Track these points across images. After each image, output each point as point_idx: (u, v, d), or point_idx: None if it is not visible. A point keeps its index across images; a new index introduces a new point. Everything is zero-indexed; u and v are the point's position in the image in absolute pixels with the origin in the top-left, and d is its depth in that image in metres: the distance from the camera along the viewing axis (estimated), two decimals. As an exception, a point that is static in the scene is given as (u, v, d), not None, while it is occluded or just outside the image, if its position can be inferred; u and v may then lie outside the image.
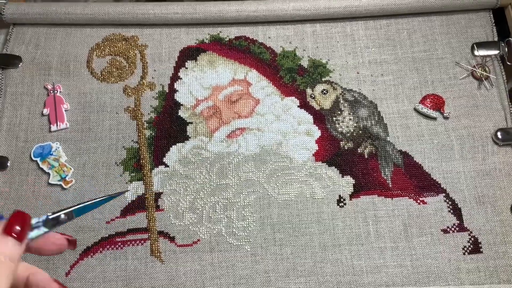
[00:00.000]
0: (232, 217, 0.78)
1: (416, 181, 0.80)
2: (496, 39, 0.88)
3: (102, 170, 0.81)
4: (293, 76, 0.88)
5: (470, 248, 0.75)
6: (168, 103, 0.86)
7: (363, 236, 0.76)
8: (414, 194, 0.79)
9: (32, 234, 0.44)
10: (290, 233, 0.77)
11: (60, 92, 0.86)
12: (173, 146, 0.83)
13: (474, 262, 0.74)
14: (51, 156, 0.82)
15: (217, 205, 0.79)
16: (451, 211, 0.77)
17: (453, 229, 0.76)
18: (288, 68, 0.88)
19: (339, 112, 0.85)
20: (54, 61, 0.89)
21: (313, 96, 0.86)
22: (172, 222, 0.78)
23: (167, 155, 0.82)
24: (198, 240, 0.77)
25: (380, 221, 0.77)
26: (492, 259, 0.74)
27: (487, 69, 0.85)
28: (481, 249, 0.75)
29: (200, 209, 0.78)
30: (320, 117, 0.85)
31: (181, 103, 0.86)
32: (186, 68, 0.89)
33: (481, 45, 0.88)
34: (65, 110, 0.85)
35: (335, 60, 0.89)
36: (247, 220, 0.78)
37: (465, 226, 0.77)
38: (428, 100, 0.84)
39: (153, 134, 0.84)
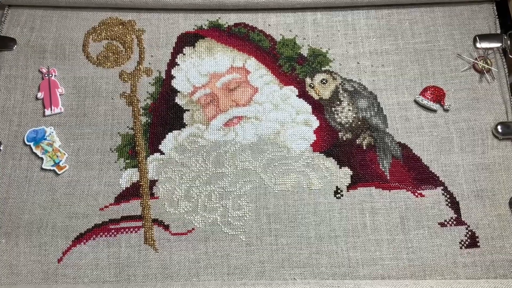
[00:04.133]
0: (227, 207, 0.77)
1: (415, 174, 0.79)
2: (499, 31, 0.87)
3: (97, 156, 0.80)
4: (292, 65, 0.86)
5: (467, 242, 0.75)
6: (165, 90, 0.85)
7: (359, 228, 0.76)
8: (412, 186, 0.78)
9: None
10: (286, 224, 0.76)
11: (55, 76, 0.85)
12: (169, 133, 0.82)
13: (471, 256, 0.74)
14: (45, 140, 0.80)
15: (212, 194, 0.78)
16: (449, 204, 0.77)
17: (450, 222, 0.76)
18: (287, 57, 0.87)
19: (338, 103, 0.84)
20: (49, 44, 0.87)
21: (312, 85, 0.85)
22: (167, 210, 0.77)
23: (163, 142, 0.81)
24: (193, 228, 0.76)
25: (377, 213, 0.76)
26: (489, 254, 0.74)
27: (489, 61, 0.84)
28: (478, 244, 0.74)
29: (195, 198, 0.77)
30: (319, 107, 0.83)
31: (178, 89, 0.85)
32: (184, 54, 0.87)
33: (484, 37, 0.86)
34: (60, 95, 0.83)
35: (335, 50, 0.87)
36: (243, 210, 0.77)
37: (462, 220, 0.76)
38: (428, 92, 0.83)
39: (149, 120, 0.83)
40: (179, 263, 0.74)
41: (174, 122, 0.82)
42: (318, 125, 0.82)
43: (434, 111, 0.82)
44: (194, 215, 0.77)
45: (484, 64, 0.84)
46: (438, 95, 0.83)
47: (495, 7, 0.89)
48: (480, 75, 0.84)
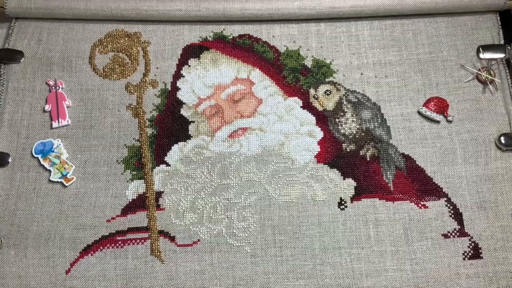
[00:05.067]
0: (232, 218, 0.78)
1: (418, 185, 0.79)
2: (502, 42, 0.87)
3: (103, 168, 0.81)
4: (296, 76, 0.87)
5: (470, 254, 0.75)
6: (170, 101, 0.86)
7: (363, 239, 0.76)
8: (415, 198, 0.78)
9: None
10: (291, 235, 0.77)
11: (62, 88, 0.86)
12: (174, 145, 0.83)
13: (474, 268, 0.74)
14: (53, 153, 0.81)
15: (218, 206, 0.79)
16: (452, 215, 0.77)
17: (453, 234, 0.76)
18: (291, 68, 0.88)
19: (342, 114, 0.84)
20: (56, 56, 0.88)
21: (316, 96, 0.86)
22: (173, 221, 0.78)
23: (168, 154, 0.82)
24: (199, 240, 0.77)
25: (381, 225, 0.77)
26: (492, 265, 0.74)
27: (492, 72, 0.85)
28: (481, 255, 0.75)
29: (200, 209, 0.78)
30: (322, 118, 0.84)
31: (184, 101, 0.86)
32: (189, 66, 0.88)
33: (487, 48, 0.87)
34: (67, 107, 0.85)
35: (339, 61, 0.88)
36: (248, 221, 0.78)
37: (465, 231, 0.76)
38: (432, 103, 0.83)
39: (155, 132, 0.83)
40: (185, 274, 0.75)
41: (179, 134, 0.83)
42: (322, 136, 0.83)
43: (438, 122, 0.83)
44: (199, 226, 0.77)
45: (487, 75, 0.84)
46: (441, 106, 0.83)
47: (498, 18, 0.89)
48: (483, 86, 0.85)
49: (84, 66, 0.88)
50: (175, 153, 0.82)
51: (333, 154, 0.82)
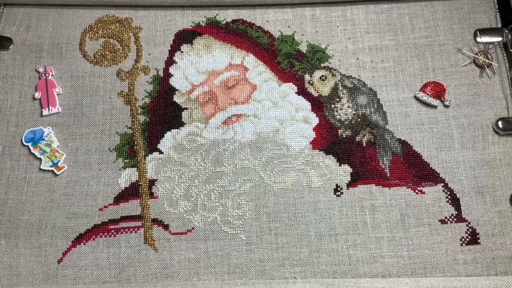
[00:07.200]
0: (227, 206, 0.77)
1: (415, 171, 0.78)
2: (499, 25, 0.86)
3: (95, 156, 0.80)
4: (291, 62, 0.86)
5: (467, 239, 0.74)
6: (163, 88, 0.84)
7: (359, 225, 0.75)
8: (412, 183, 0.77)
9: None
10: (286, 222, 0.76)
11: (52, 75, 0.84)
12: (167, 132, 0.81)
13: (472, 253, 0.74)
14: (43, 141, 0.80)
15: (212, 193, 0.77)
16: (450, 201, 0.76)
17: (451, 219, 0.75)
18: (286, 53, 0.86)
19: (337, 99, 0.83)
20: (46, 43, 0.86)
21: (312, 82, 0.84)
22: (166, 209, 0.77)
23: (161, 141, 0.81)
24: (193, 228, 0.76)
25: (377, 211, 0.76)
26: (489, 251, 0.74)
27: (489, 56, 0.84)
28: (478, 240, 0.74)
29: (194, 197, 0.77)
30: (318, 104, 0.83)
31: (176, 88, 0.84)
32: (182, 52, 0.87)
33: (484, 31, 0.86)
34: (57, 94, 0.83)
35: (334, 45, 0.87)
36: (243, 209, 0.76)
37: (463, 216, 0.75)
38: (428, 87, 0.82)
39: (147, 119, 0.82)
40: (179, 263, 0.74)
41: (172, 121, 0.82)
42: (318, 122, 0.82)
43: (435, 107, 0.82)
44: (193, 214, 0.76)
45: (484, 59, 0.83)
46: (438, 90, 0.82)
47: (495, 1, 0.88)
48: (480, 70, 0.84)
49: (74, 52, 0.86)
50: (168, 140, 0.81)
51: (329, 140, 0.80)
